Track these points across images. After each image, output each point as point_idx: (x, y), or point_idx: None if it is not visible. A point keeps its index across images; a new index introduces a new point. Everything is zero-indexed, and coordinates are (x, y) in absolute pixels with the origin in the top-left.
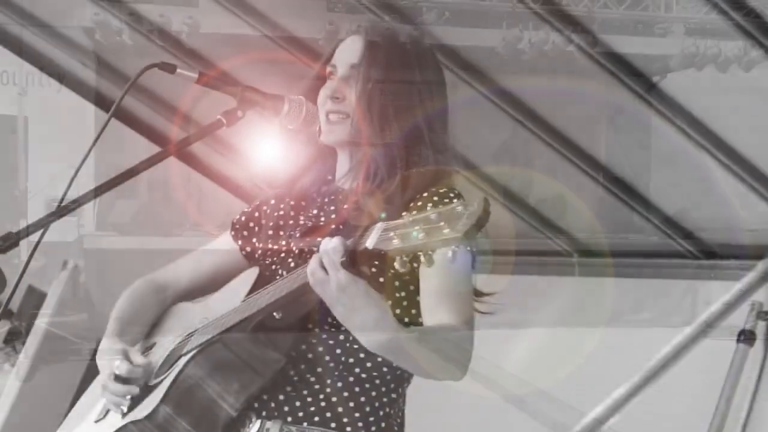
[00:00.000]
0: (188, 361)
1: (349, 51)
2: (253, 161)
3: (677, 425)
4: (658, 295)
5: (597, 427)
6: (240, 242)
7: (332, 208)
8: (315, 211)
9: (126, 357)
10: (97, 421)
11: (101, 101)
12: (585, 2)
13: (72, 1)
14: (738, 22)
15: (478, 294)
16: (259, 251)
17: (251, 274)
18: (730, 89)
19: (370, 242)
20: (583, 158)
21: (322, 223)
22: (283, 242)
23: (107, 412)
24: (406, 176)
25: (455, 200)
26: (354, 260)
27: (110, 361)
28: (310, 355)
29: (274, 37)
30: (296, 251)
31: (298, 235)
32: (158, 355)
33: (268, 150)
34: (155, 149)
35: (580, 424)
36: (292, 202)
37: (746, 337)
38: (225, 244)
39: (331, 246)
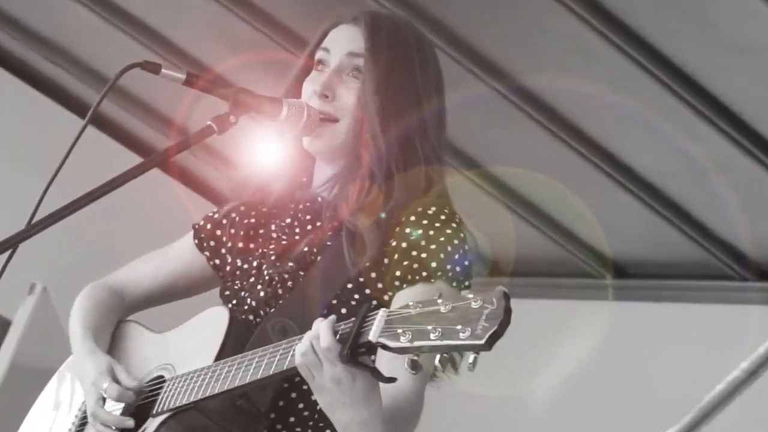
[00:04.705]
0: (160, 426)
1: (344, 39)
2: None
3: None
4: (704, 322)
5: None
6: (207, 253)
7: (308, 217)
8: (288, 220)
9: (113, 377)
10: None
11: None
12: None
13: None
14: None
15: None
16: (228, 268)
17: (220, 318)
18: None
19: (373, 335)
20: (613, 165)
21: (297, 238)
22: (255, 263)
23: None
24: (398, 180)
25: (448, 223)
26: (355, 352)
27: (95, 383)
28: (290, 412)
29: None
30: (267, 278)
31: (272, 256)
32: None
33: (248, 151)
34: (136, 159)
35: None
36: (264, 209)
37: None
38: (187, 249)
39: (325, 345)
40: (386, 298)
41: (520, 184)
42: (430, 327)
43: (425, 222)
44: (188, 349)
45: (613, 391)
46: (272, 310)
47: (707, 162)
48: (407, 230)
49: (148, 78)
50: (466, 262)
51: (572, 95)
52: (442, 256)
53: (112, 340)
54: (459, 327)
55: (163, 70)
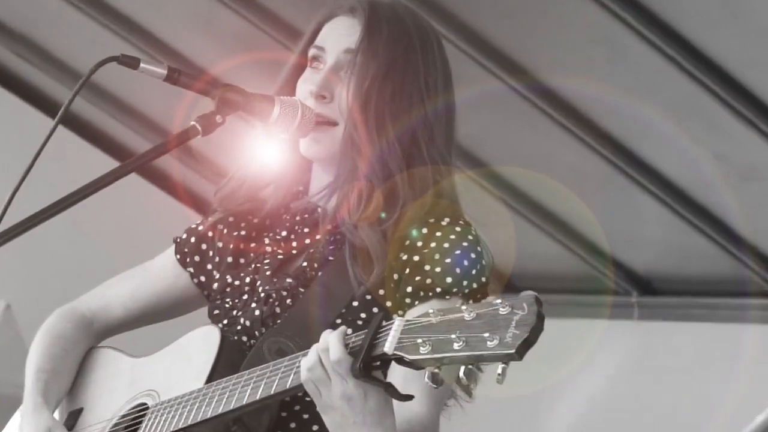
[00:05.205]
0: None
1: (341, 33)
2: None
3: None
4: (740, 344)
5: None
6: (192, 269)
7: (305, 230)
8: (284, 233)
9: None
10: None
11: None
12: None
13: None
14: None
15: None
16: (215, 285)
17: (211, 338)
18: None
19: (388, 346)
20: (640, 169)
21: (294, 252)
22: (248, 279)
23: None
24: (401, 179)
25: (464, 235)
26: (368, 366)
27: None
28: None
29: None
30: (263, 295)
31: (268, 272)
32: None
33: (238, 155)
34: (113, 163)
35: None
36: (255, 221)
37: None
38: (169, 266)
39: (335, 358)
40: (396, 317)
41: (535, 189)
42: (453, 336)
43: (438, 234)
44: (174, 373)
45: (638, 420)
46: (269, 330)
47: (744, 165)
48: (419, 243)
49: (125, 73)
50: (483, 278)
51: (594, 91)
52: (457, 270)
53: (80, 372)
54: (486, 335)
55: (142, 65)
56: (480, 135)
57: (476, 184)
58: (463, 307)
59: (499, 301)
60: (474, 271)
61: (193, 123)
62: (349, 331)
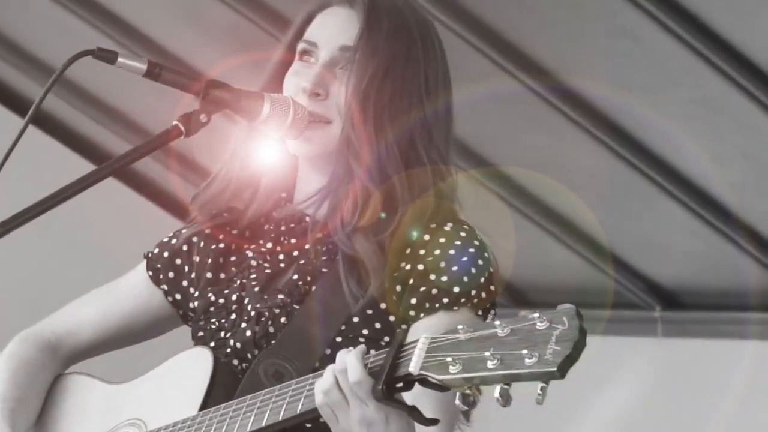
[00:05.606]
0: None
1: (337, 26)
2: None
3: None
4: None
5: None
6: (165, 287)
7: (293, 240)
8: (270, 245)
9: None
10: None
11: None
12: None
13: None
14: None
15: None
16: (195, 304)
17: (202, 360)
18: None
19: (414, 366)
20: (663, 172)
21: (282, 266)
22: (234, 296)
23: None
24: (398, 180)
25: (470, 241)
26: (391, 388)
27: None
28: None
29: None
30: (253, 314)
31: (256, 288)
32: None
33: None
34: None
35: None
36: (234, 232)
37: None
38: (141, 284)
39: (354, 379)
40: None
41: (549, 194)
42: (486, 353)
43: (442, 240)
44: (163, 400)
45: None
46: (263, 351)
47: None
48: (422, 251)
49: (102, 69)
50: (492, 287)
51: (613, 88)
52: (465, 279)
53: (49, 401)
54: (524, 352)
55: (119, 59)
56: (489, 134)
57: (484, 187)
58: (496, 323)
59: (536, 315)
60: (482, 280)
61: (175, 122)
62: (351, 349)
